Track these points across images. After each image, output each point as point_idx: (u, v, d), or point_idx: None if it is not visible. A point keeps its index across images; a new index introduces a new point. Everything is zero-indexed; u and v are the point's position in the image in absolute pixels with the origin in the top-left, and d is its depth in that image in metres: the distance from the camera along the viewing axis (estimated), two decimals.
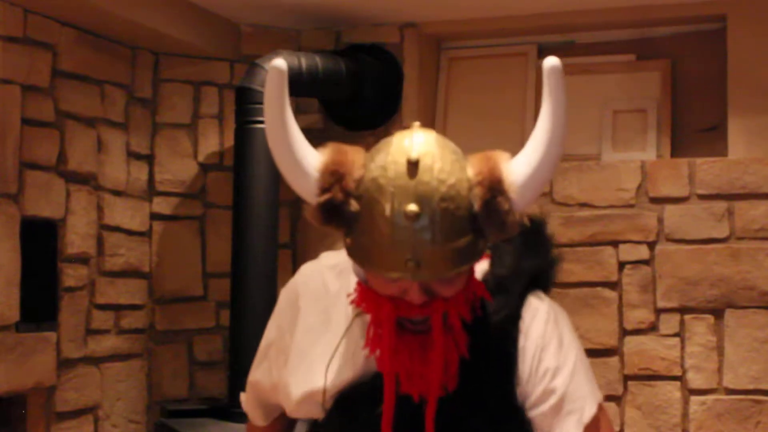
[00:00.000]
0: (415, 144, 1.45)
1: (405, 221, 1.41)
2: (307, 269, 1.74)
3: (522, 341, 1.58)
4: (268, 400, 1.79)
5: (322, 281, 1.69)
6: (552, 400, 1.57)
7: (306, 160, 1.49)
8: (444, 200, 1.42)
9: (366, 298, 1.54)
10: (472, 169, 1.46)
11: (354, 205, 1.45)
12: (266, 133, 1.52)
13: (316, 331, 1.65)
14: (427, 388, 1.51)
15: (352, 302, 1.58)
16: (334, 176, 1.46)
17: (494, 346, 1.58)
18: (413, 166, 1.43)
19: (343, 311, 1.64)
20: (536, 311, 1.61)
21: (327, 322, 1.65)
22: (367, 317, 1.57)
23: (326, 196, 1.46)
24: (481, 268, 1.63)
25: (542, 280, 1.66)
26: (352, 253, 1.49)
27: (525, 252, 1.64)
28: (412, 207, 1.41)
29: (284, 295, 1.75)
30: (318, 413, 1.64)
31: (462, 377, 1.55)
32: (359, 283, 1.56)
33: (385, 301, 1.49)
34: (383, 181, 1.44)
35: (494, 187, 1.44)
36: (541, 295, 1.65)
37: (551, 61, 1.47)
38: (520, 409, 1.58)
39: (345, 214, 1.45)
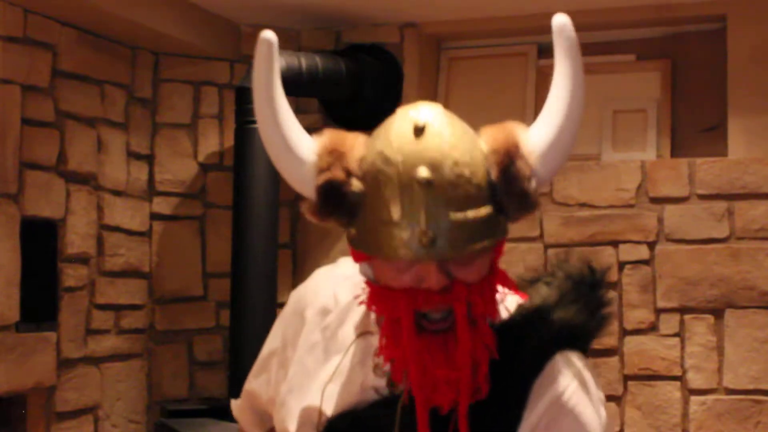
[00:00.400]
0: (421, 112, 1.30)
1: (416, 189, 1.25)
2: (320, 276, 1.57)
3: (532, 400, 1.35)
4: (265, 410, 1.63)
5: (333, 292, 1.51)
6: None
7: (300, 143, 1.33)
8: (458, 165, 1.27)
9: (376, 297, 1.35)
10: (485, 139, 1.31)
11: (356, 185, 1.29)
12: (255, 114, 1.36)
13: (320, 348, 1.47)
14: (455, 396, 1.31)
15: (360, 303, 1.40)
16: (333, 155, 1.31)
17: (499, 399, 1.35)
18: (421, 131, 1.28)
19: (349, 329, 1.46)
20: (558, 374, 1.36)
21: (332, 339, 1.47)
22: (371, 339, 1.40)
23: (325, 176, 1.30)
24: (511, 302, 1.43)
25: (579, 339, 1.41)
26: (357, 244, 1.32)
27: (563, 301, 1.41)
28: (424, 172, 1.25)
29: (292, 302, 1.58)
30: None
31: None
32: (368, 283, 1.37)
33: (399, 294, 1.30)
34: (389, 151, 1.28)
35: (512, 152, 1.29)
36: (573, 358, 1.39)
37: (560, 19, 1.32)
38: None
39: (347, 197, 1.29)
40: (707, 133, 4.08)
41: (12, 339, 3.39)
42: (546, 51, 4.27)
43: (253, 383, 1.63)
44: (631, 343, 3.87)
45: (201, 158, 4.29)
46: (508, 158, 1.28)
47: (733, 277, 3.77)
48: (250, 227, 3.86)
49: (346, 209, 1.30)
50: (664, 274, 3.85)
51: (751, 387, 3.75)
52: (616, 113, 4.19)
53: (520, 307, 1.40)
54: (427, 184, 1.25)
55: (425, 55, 4.34)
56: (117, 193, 3.99)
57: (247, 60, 4.13)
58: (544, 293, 1.41)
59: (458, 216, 1.26)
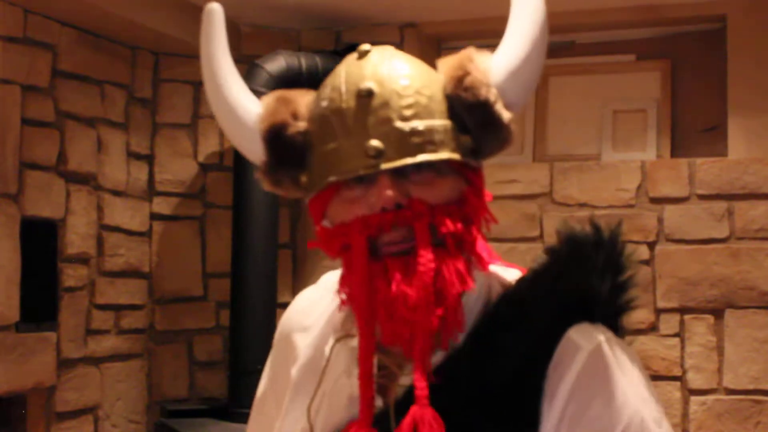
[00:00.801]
0: (368, 46, 1.24)
1: (360, 102, 1.17)
2: (301, 297, 1.43)
3: (549, 389, 1.15)
4: None
5: (315, 307, 1.37)
6: None
7: (247, 105, 1.26)
8: (405, 78, 1.19)
9: (328, 236, 1.22)
10: (439, 67, 1.24)
11: (303, 125, 1.21)
12: (204, 81, 1.29)
13: (311, 368, 1.32)
14: (413, 327, 1.13)
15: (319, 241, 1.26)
16: (279, 102, 1.23)
17: (508, 398, 1.16)
18: (366, 53, 1.22)
19: (330, 337, 1.31)
20: (575, 352, 1.15)
21: (320, 353, 1.32)
22: (352, 343, 1.24)
23: (270, 120, 1.21)
24: (505, 276, 1.26)
25: (594, 308, 1.20)
26: (310, 189, 1.22)
27: (568, 266, 1.21)
28: (366, 84, 1.18)
29: (276, 334, 1.43)
30: None
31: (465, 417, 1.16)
32: (321, 228, 1.24)
33: (351, 223, 1.18)
34: (333, 79, 1.22)
35: (465, 64, 1.20)
36: (591, 329, 1.18)
37: None
38: None
39: (294, 140, 1.21)
40: (707, 133, 4.08)
41: (12, 339, 3.39)
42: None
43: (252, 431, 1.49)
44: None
45: (201, 158, 4.29)
46: (462, 70, 1.19)
47: (733, 277, 3.77)
48: (250, 227, 3.86)
49: (295, 156, 1.21)
50: (664, 274, 3.85)
51: (751, 387, 3.75)
52: (616, 113, 4.19)
53: (519, 280, 1.24)
54: (369, 94, 1.17)
55: (425, 55, 4.32)
56: (117, 193, 3.99)
57: (248, 60, 4.13)
58: (544, 261, 1.23)
59: (407, 125, 1.16)
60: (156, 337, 4.20)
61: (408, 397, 1.16)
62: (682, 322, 3.83)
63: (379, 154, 1.14)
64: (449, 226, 1.16)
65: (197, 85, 4.27)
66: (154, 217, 4.20)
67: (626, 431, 1.13)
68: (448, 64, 1.22)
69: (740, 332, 3.77)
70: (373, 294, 1.15)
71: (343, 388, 1.25)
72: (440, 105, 1.19)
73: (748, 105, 3.89)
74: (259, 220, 3.87)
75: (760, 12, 3.91)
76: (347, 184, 1.18)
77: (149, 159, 4.19)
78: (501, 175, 3.92)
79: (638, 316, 3.87)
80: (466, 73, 1.18)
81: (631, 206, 3.91)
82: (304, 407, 1.28)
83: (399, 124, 1.16)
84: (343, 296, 1.21)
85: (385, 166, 1.15)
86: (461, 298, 1.17)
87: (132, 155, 4.09)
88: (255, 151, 1.24)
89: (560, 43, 4.25)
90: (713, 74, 4.05)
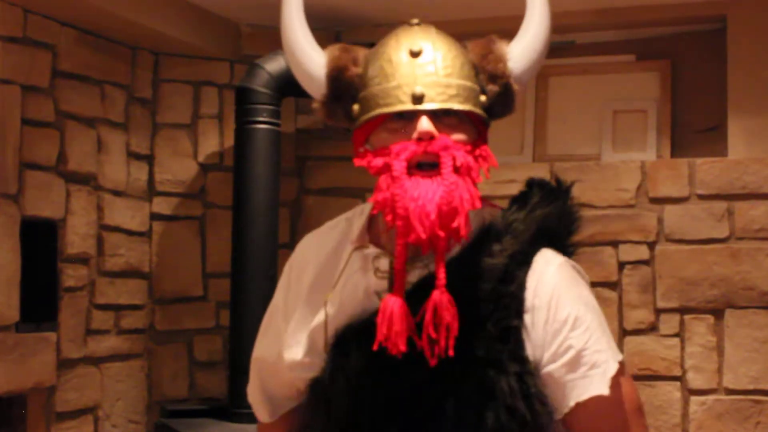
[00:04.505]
0: (416, 20, 1.67)
1: (410, 57, 1.57)
2: (309, 235, 1.81)
3: (531, 288, 1.56)
4: (273, 387, 1.78)
5: (328, 238, 1.72)
6: (569, 355, 1.55)
7: (315, 53, 1.63)
8: (445, 45, 1.59)
9: (373, 156, 1.56)
10: (468, 46, 1.64)
11: (359, 70, 1.59)
12: (282, 38, 1.65)
13: (327, 269, 1.68)
14: (432, 228, 1.49)
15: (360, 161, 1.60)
16: (342, 50, 1.62)
17: (499, 288, 1.56)
18: (415, 24, 1.66)
19: (343, 254, 1.66)
20: (550, 260, 1.59)
21: (335, 262, 1.67)
22: (367, 251, 1.61)
23: (334, 62, 1.60)
24: (490, 212, 1.64)
25: (558, 237, 1.65)
26: (360, 114, 1.58)
27: (539, 203, 1.65)
28: (419, 45, 1.58)
29: (288, 265, 1.83)
30: (318, 365, 1.62)
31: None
32: (364, 150, 1.59)
33: (393, 145, 1.54)
34: (389, 40, 1.62)
35: (490, 45, 1.63)
36: (555, 253, 1.62)
37: None
38: (527, 361, 1.54)
39: (352, 80, 1.59)
40: (707, 133, 4.08)
41: (12, 339, 3.39)
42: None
43: (260, 348, 1.82)
44: (631, 343, 3.87)
45: (201, 158, 4.29)
46: (487, 48, 1.63)
47: (733, 277, 3.77)
48: (250, 227, 3.86)
49: (351, 92, 1.59)
50: (664, 274, 3.85)
51: (751, 387, 3.75)
52: (616, 113, 4.19)
53: (504, 210, 1.65)
54: (419, 52, 1.58)
55: None
56: (117, 193, 3.99)
57: (247, 60, 4.13)
58: (521, 198, 1.67)
59: (446, 78, 1.56)
60: (156, 337, 4.20)
61: (416, 291, 1.54)
62: (682, 322, 3.83)
63: (422, 98, 1.54)
64: (466, 158, 1.53)
65: (197, 85, 4.28)
66: (154, 217, 4.20)
67: (593, 321, 1.59)
68: (476, 43, 1.64)
69: (740, 332, 3.77)
70: (408, 199, 1.49)
71: (359, 283, 1.62)
72: (469, 72, 1.60)
73: (748, 105, 3.89)
74: (259, 220, 3.87)
75: (760, 12, 3.91)
76: (392, 117, 1.55)
77: (149, 159, 4.19)
78: (501, 175, 3.91)
79: (638, 316, 3.87)
80: (490, 51, 1.62)
81: (631, 206, 3.91)
82: (322, 302, 1.63)
83: (441, 77, 1.56)
84: (378, 201, 1.53)
85: (427, 106, 1.53)
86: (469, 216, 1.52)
87: (132, 155, 4.09)
88: (317, 87, 1.62)
89: (560, 43, 4.24)
90: (713, 74, 4.05)
